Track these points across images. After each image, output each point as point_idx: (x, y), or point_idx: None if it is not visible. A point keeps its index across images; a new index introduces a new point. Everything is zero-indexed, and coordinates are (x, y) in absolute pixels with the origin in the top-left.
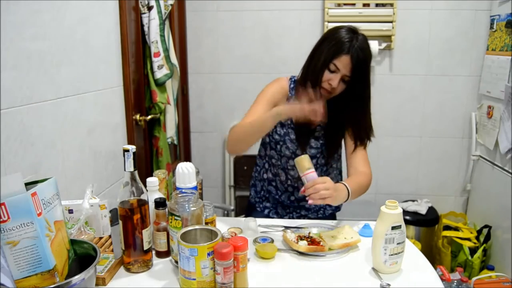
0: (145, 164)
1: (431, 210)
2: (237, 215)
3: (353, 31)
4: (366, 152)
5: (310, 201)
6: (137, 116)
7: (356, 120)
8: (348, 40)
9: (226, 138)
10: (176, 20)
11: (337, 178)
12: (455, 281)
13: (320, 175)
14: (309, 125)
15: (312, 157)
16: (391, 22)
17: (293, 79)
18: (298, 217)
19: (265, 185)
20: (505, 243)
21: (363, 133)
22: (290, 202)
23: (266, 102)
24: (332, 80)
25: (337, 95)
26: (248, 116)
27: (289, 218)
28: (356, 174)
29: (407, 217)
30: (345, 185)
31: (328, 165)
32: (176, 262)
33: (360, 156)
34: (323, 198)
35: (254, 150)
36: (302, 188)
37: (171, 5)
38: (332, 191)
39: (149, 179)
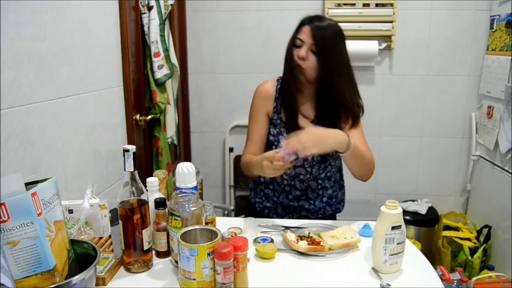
0: (145, 164)
1: (431, 210)
2: (237, 215)
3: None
4: (363, 134)
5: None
6: (137, 116)
7: (340, 98)
8: (307, 17)
9: (226, 138)
10: (176, 20)
11: (335, 177)
12: (455, 281)
13: (318, 172)
14: (297, 122)
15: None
16: (391, 22)
17: (279, 79)
18: (298, 218)
19: (262, 188)
20: (505, 243)
21: (350, 109)
22: (289, 202)
23: (256, 118)
24: (300, 51)
25: (320, 87)
26: (249, 140)
27: (289, 218)
28: None
29: (407, 217)
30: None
31: (327, 162)
32: (176, 262)
33: (356, 139)
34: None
35: None
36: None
37: (171, 5)
38: (317, 136)
39: (149, 179)
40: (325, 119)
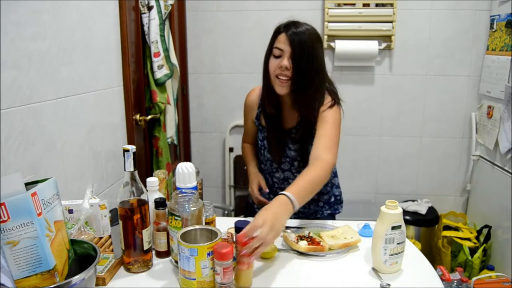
0: (145, 164)
1: (431, 210)
2: (237, 215)
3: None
4: (332, 131)
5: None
6: (137, 116)
7: (303, 90)
8: (283, 24)
9: (226, 138)
10: (176, 20)
11: (333, 181)
12: (455, 281)
13: None
14: (280, 127)
15: (293, 159)
16: (391, 22)
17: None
18: (296, 218)
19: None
20: (505, 243)
21: (306, 104)
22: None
23: (247, 122)
24: (281, 61)
25: (296, 89)
26: (244, 131)
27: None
28: (312, 164)
29: (407, 217)
30: (286, 195)
31: None
32: (176, 262)
33: (319, 139)
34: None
35: None
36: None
37: (171, 5)
38: (267, 227)
39: (149, 179)
40: (307, 132)
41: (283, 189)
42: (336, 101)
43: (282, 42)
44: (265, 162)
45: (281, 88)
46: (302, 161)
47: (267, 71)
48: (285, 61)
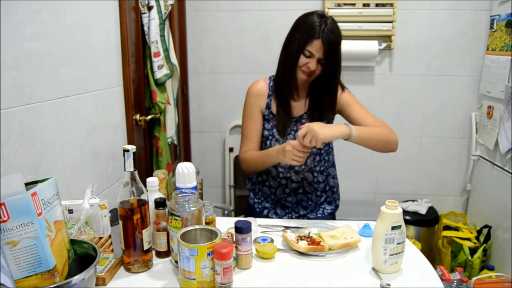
0: (145, 164)
1: (431, 210)
2: (237, 215)
3: (321, 16)
4: (363, 106)
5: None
6: (137, 116)
7: (330, 94)
8: (318, 25)
9: (226, 138)
10: (176, 20)
11: (329, 171)
12: (455, 281)
13: (312, 164)
14: (290, 113)
15: None
16: (391, 22)
17: (272, 78)
18: (297, 217)
19: (260, 187)
20: (505, 243)
21: (335, 101)
22: (286, 196)
23: (251, 116)
24: (310, 63)
25: (314, 79)
26: (246, 138)
27: (288, 218)
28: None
29: (407, 217)
30: (346, 124)
31: (321, 156)
32: (176, 262)
33: (366, 117)
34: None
35: None
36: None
37: (171, 5)
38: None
39: (149, 179)
40: (316, 109)
41: (288, 178)
42: (341, 85)
43: (316, 49)
44: None
45: (303, 78)
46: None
47: (287, 60)
48: (313, 64)
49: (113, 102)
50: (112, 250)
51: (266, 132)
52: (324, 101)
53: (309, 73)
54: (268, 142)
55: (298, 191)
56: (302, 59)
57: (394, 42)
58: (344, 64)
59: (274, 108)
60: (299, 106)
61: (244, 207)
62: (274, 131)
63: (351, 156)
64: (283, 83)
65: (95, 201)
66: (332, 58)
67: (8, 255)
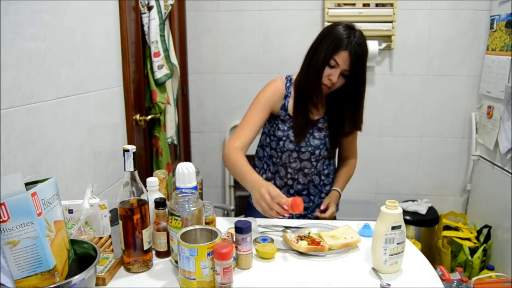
0: (145, 164)
1: (431, 210)
2: (237, 215)
3: (350, 27)
4: (356, 138)
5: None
6: (137, 116)
7: (354, 110)
8: (346, 36)
9: (226, 138)
10: (176, 20)
11: (333, 175)
12: (455, 281)
13: (322, 167)
14: (307, 117)
15: (315, 148)
16: (391, 22)
17: (289, 78)
18: (298, 218)
19: None
20: (505, 243)
21: (358, 122)
22: (290, 197)
23: (261, 108)
24: (332, 75)
25: (337, 91)
26: (242, 129)
27: (288, 218)
28: (346, 166)
29: (407, 217)
30: (337, 190)
31: (331, 159)
32: (176, 262)
33: (353, 142)
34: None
35: (252, 150)
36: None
37: (171, 5)
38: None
39: (149, 179)
40: (334, 117)
41: (295, 180)
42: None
43: (342, 59)
44: (283, 153)
45: (323, 89)
46: (324, 151)
47: (312, 68)
48: (335, 76)
49: (113, 102)
50: (112, 250)
51: (280, 133)
52: (347, 118)
53: (330, 85)
54: (281, 143)
55: (302, 193)
56: (326, 70)
57: (394, 42)
58: None
59: (291, 110)
60: (316, 111)
61: (244, 207)
62: (289, 133)
63: None
64: (306, 89)
65: (95, 201)
66: (356, 71)
67: (8, 255)
